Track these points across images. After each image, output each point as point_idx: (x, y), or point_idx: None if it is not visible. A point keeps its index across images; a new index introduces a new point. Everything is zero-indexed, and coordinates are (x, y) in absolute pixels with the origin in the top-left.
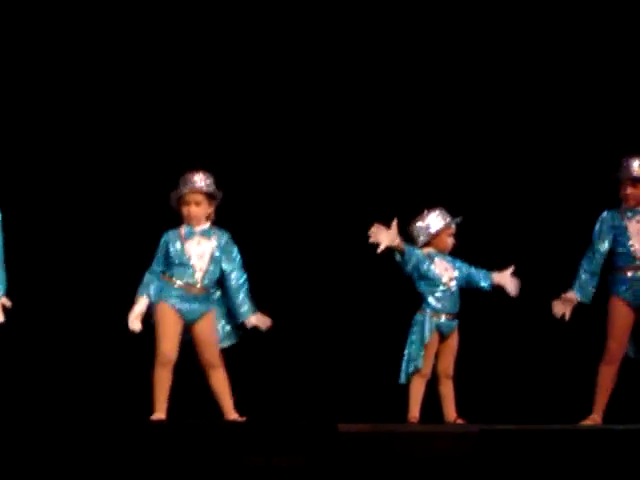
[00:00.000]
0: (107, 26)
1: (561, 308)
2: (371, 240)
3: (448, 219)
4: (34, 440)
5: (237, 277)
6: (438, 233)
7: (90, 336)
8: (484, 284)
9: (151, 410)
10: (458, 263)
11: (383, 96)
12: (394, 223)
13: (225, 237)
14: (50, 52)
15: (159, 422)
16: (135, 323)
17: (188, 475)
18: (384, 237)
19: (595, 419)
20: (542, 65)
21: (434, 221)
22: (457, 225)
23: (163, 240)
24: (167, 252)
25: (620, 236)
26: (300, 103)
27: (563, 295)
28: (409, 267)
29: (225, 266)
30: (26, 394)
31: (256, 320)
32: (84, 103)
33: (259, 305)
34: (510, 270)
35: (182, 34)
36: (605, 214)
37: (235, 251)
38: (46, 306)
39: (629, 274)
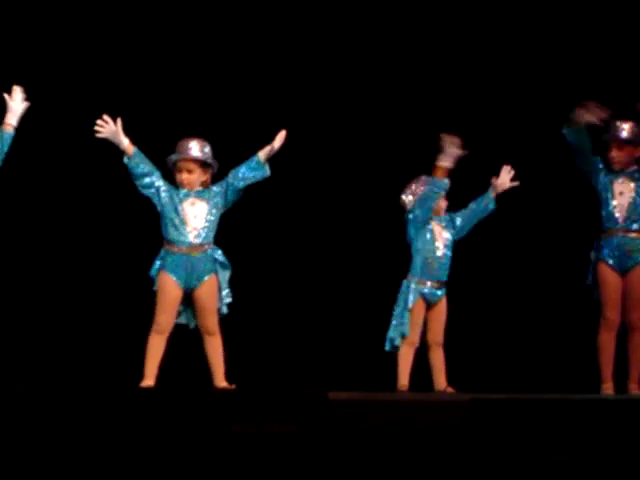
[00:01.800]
0: (102, 24)
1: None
2: None
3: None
4: (23, 406)
5: (232, 172)
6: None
7: (84, 301)
8: (491, 207)
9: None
10: (455, 217)
11: (376, 92)
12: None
13: (217, 185)
14: (45, 47)
15: (147, 389)
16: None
17: (178, 442)
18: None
19: (608, 388)
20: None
21: (422, 183)
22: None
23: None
24: (161, 207)
25: (605, 194)
26: (296, 100)
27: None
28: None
29: (224, 188)
30: (16, 359)
31: (264, 152)
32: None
33: (253, 274)
34: (504, 172)
35: (180, 28)
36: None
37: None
38: (37, 268)
39: (611, 238)
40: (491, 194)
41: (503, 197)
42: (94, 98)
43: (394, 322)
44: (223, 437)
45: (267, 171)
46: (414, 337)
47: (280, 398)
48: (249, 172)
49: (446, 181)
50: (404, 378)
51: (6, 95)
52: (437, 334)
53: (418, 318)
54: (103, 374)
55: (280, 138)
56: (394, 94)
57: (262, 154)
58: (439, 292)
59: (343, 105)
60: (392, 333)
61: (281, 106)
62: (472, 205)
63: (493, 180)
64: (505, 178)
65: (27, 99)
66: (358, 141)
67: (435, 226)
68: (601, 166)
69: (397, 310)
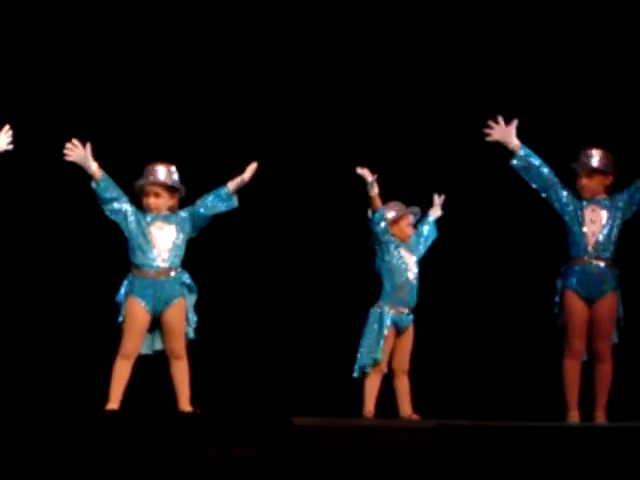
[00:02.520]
0: (72, 49)
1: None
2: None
3: (405, 208)
4: None
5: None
6: (397, 219)
7: (50, 324)
8: (434, 236)
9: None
10: (417, 244)
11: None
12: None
13: (185, 211)
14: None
15: (112, 412)
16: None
17: (142, 466)
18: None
19: (574, 416)
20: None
21: (392, 208)
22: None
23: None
24: (128, 232)
25: (573, 223)
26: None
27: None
28: (376, 229)
29: (192, 214)
30: None
31: (234, 183)
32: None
33: (218, 299)
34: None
35: (150, 54)
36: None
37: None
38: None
39: (580, 266)
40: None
41: (470, 224)
42: (63, 122)
43: (365, 349)
44: (188, 461)
45: (235, 202)
46: (383, 364)
47: (245, 422)
48: (217, 202)
49: (382, 211)
50: (370, 404)
51: None
52: (403, 361)
53: (389, 345)
54: (68, 398)
55: (251, 170)
56: (359, 129)
57: (231, 185)
58: (409, 318)
59: (310, 134)
60: (364, 360)
61: (250, 130)
62: (423, 232)
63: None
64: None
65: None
66: (324, 169)
67: (403, 252)
68: (565, 192)
69: (369, 336)
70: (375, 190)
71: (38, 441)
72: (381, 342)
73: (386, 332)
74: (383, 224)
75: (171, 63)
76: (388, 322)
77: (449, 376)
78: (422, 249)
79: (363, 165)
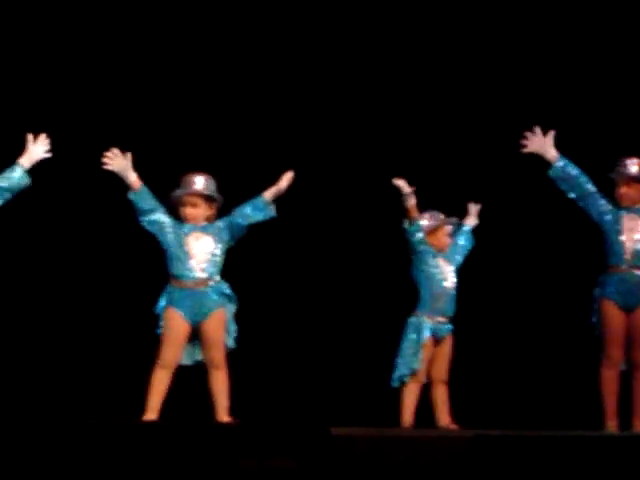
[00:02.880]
0: (109, 61)
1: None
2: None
3: (443, 218)
4: (25, 439)
5: (237, 210)
6: (434, 229)
7: (89, 334)
8: (471, 245)
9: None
10: (453, 253)
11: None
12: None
13: (222, 221)
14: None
15: (150, 422)
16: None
17: (180, 476)
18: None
19: (612, 425)
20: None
21: (429, 218)
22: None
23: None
24: (166, 243)
25: (611, 232)
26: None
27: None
28: (413, 240)
29: (229, 225)
30: (19, 392)
31: (270, 193)
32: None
33: (251, 308)
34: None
35: (187, 65)
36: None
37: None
38: (43, 301)
39: (618, 275)
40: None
41: (508, 234)
42: (102, 132)
43: (403, 359)
44: (225, 472)
45: (272, 212)
46: (422, 374)
47: (283, 433)
48: (254, 212)
49: (418, 222)
50: (408, 414)
51: (30, 136)
52: (442, 371)
53: (428, 354)
54: (107, 408)
55: (287, 179)
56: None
57: (268, 195)
58: (447, 327)
59: (348, 143)
60: (402, 370)
61: (286, 141)
62: (459, 242)
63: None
64: (473, 214)
65: (51, 150)
66: (363, 179)
67: (440, 261)
68: (603, 202)
69: (407, 346)
70: (412, 202)
71: (77, 451)
72: (419, 352)
73: (424, 342)
74: (420, 235)
75: (208, 74)
76: (427, 332)
77: (487, 386)
78: (459, 258)
79: (399, 176)
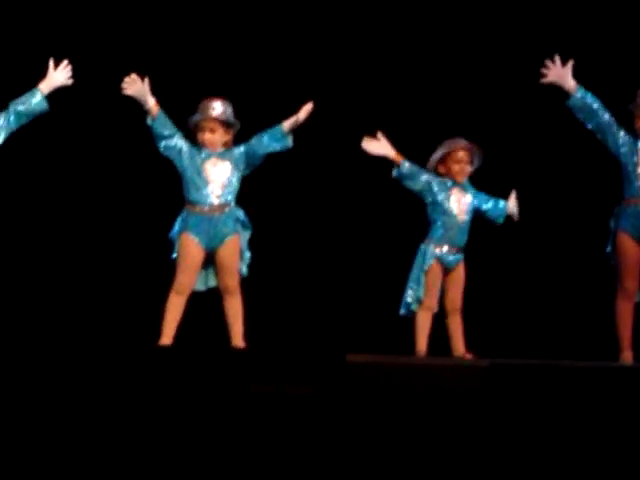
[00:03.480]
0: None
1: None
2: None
3: (458, 144)
4: (41, 363)
5: (255, 138)
6: (443, 157)
7: (105, 259)
8: (499, 220)
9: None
10: (479, 193)
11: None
12: (379, 133)
13: (239, 148)
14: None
15: (165, 347)
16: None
17: (194, 401)
18: (374, 147)
19: (627, 356)
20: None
21: (443, 145)
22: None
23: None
24: (183, 168)
25: (628, 164)
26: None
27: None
28: (414, 186)
29: (246, 152)
30: (37, 314)
31: (289, 123)
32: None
33: (272, 236)
34: (514, 196)
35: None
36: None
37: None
38: (61, 226)
39: (634, 207)
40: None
41: (526, 163)
42: (115, 58)
43: (410, 286)
44: (240, 397)
45: (290, 142)
46: (431, 302)
47: (298, 360)
48: (271, 141)
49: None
50: (422, 343)
51: (52, 63)
52: (455, 300)
53: (434, 282)
54: (123, 332)
55: (306, 110)
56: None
57: (286, 125)
58: (456, 257)
59: (367, 78)
60: (408, 297)
61: (303, 68)
62: (490, 205)
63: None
64: (514, 207)
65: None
66: (384, 109)
67: (455, 191)
68: (621, 133)
69: (413, 274)
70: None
71: (94, 375)
72: (422, 280)
73: (426, 268)
74: (409, 181)
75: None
76: (430, 259)
77: (503, 316)
78: (480, 201)
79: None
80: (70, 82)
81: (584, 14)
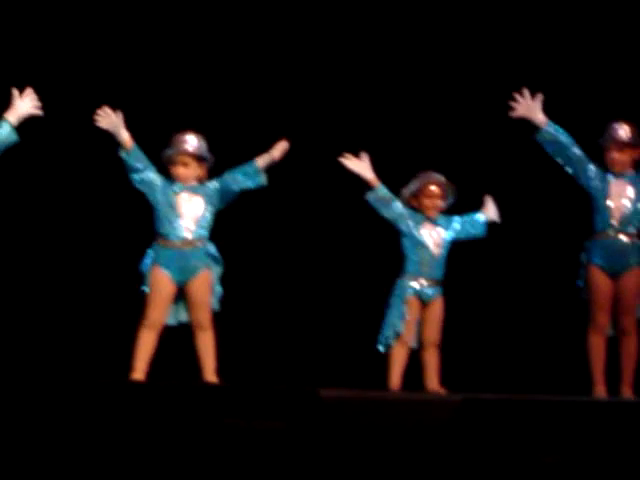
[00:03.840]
0: (103, 19)
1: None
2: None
3: (430, 179)
4: (11, 396)
5: (229, 174)
6: (415, 192)
7: (75, 292)
8: (482, 234)
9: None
10: (451, 222)
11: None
12: (364, 154)
13: (213, 183)
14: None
15: (137, 382)
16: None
17: (167, 435)
18: (353, 164)
19: (600, 390)
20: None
21: (416, 179)
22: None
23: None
24: (156, 202)
25: (599, 197)
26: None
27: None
28: (386, 213)
29: (219, 187)
30: (7, 351)
31: (263, 160)
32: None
33: (244, 271)
34: (489, 202)
35: (179, 24)
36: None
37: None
38: (30, 259)
39: (605, 240)
40: (484, 224)
41: (497, 198)
42: (89, 91)
43: (388, 321)
44: (213, 431)
45: (264, 180)
46: (408, 336)
47: (271, 394)
48: (246, 179)
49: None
50: (396, 378)
51: (15, 91)
52: (432, 334)
53: (412, 316)
54: (93, 367)
55: (281, 148)
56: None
57: (260, 162)
58: (434, 290)
59: (339, 110)
60: (387, 331)
61: (276, 100)
62: (466, 224)
63: (483, 216)
64: (492, 212)
65: (41, 107)
66: (355, 140)
67: (427, 225)
68: (591, 166)
69: (391, 309)
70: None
71: (64, 410)
72: (402, 314)
73: (405, 302)
74: (384, 208)
75: (200, 33)
76: (408, 293)
77: (475, 350)
78: (457, 232)
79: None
80: (39, 112)
81: (553, 47)
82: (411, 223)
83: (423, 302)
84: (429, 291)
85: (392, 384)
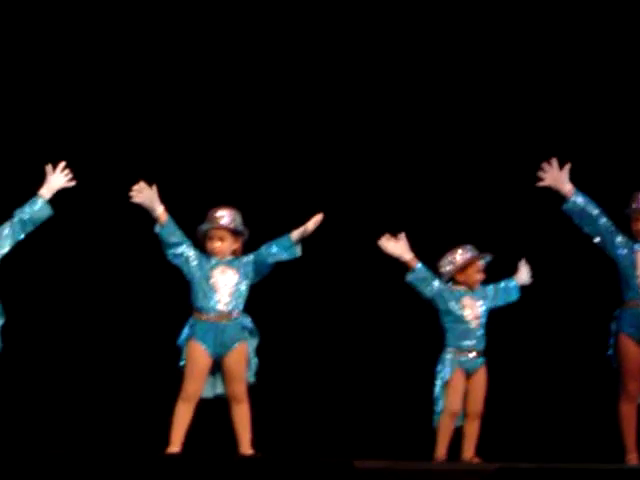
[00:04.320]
0: (135, 96)
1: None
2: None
3: (475, 253)
4: (52, 472)
5: (264, 247)
6: (464, 267)
7: (115, 367)
8: (515, 298)
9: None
10: (485, 291)
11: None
12: (402, 235)
13: (248, 256)
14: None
15: (174, 455)
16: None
17: None
18: (392, 246)
19: (633, 458)
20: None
21: (461, 254)
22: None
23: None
24: (191, 276)
25: (627, 267)
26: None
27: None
28: (426, 292)
29: (254, 260)
30: (45, 424)
31: (298, 233)
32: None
33: (281, 343)
34: (523, 265)
35: (213, 98)
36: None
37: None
38: (70, 334)
39: (634, 309)
40: (518, 289)
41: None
42: (125, 165)
43: (435, 396)
44: None
45: (298, 252)
46: (454, 407)
47: (306, 466)
48: (280, 251)
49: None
50: (442, 448)
51: (49, 166)
52: (475, 404)
53: (457, 388)
54: (132, 441)
55: (315, 221)
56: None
57: (295, 235)
58: (477, 361)
59: (374, 188)
60: (435, 407)
61: (312, 178)
62: (500, 291)
63: (516, 275)
64: (524, 273)
65: (73, 179)
66: (388, 213)
67: (467, 299)
68: (619, 237)
69: (436, 383)
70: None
71: None
72: (444, 389)
73: (447, 379)
74: (424, 286)
75: (240, 108)
76: (450, 368)
77: (509, 419)
78: (493, 301)
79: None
80: (71, 184)
81: (579, 117)
82: (450, 299)
83: (467, 373)
84: (472, 362)
85: (439, 454)
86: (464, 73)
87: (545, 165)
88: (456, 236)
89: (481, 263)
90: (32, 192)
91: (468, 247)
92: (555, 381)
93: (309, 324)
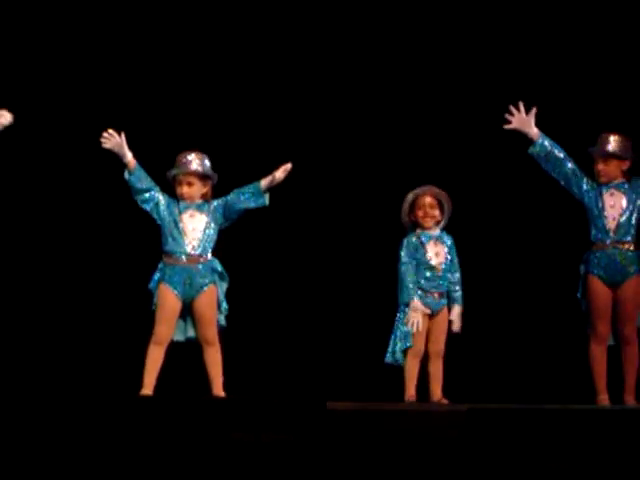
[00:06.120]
0: (104, 37)
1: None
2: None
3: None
4: (20, 412)
5: (233, 194)
6: (410, 209)
7: (84, 311)
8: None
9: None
10: (448, 239)
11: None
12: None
13: (217, 201)
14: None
15: (146, 397)
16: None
17: (175, 450)
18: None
19: (603, 399)
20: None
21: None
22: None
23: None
24: (160, 220)
25: (594, 209)
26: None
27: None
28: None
29: (223, 205)
30: (14, 366)
31: (266, 181)
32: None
33: (251, 286)
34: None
35: (182, 40)
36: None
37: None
38: (38, 281)
39: (602, 251)
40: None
41: (494, 212)
42: (93, 112)
43: (398, 335)
44: (221, 445)
45: (266, 201)
46: (418, 347)
47: (278, 408)
48: (249, 198)
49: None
50: (411, 388)
51: None
52: (437, 344)
53: (422, 329)
54: (102, 384)
55: (284, 170)
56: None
57: (264, 183)
58: (440, 302)
59: (342, 123)
60: (394, 345)
61: (286, 123)
62: None
63: None
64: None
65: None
66: (360, 164)
67: (431, 245)
68: (584, 179)
69: (400, 323)
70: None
71: (72, 425)
72: (409, 328)
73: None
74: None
75: (202, 50)
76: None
77: (478, 361)
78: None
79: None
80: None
81: (547, 59)
82: (418, 248)
83: (430, 314)
84: (434, 303)
85: (408, 395)
86: (436, 17)
87: (512, 108)
88: (422, 179)
89: (429, 199)
90: None
91: (422, 187)
92: (526, 324)
93: (279, 267)
